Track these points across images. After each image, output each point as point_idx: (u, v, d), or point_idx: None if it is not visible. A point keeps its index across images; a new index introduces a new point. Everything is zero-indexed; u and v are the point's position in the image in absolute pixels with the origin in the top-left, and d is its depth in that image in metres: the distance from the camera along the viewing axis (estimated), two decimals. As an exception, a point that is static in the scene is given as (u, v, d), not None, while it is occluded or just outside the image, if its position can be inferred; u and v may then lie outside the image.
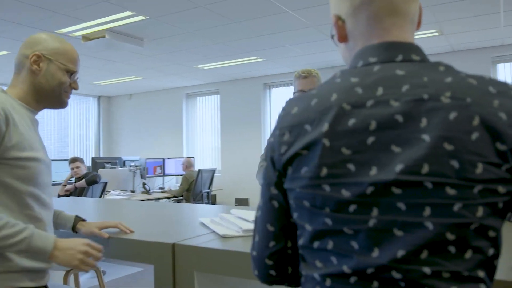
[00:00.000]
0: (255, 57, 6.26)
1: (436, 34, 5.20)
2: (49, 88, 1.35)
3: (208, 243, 1.40)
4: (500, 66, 5.96)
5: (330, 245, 0.70)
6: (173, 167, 6.89)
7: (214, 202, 7.31)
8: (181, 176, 6.41)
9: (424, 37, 5.31)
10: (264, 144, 7.64)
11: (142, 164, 6.39)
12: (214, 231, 1.59)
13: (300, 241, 0.76)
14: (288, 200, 0.78)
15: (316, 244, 0.72)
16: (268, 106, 7.79)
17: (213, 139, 8.45)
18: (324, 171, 0.69)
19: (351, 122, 0.69)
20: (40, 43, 1.35)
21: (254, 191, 7.52)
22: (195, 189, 6.03)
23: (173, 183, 7.44)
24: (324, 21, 4.63)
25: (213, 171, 6.45)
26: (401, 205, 0.64)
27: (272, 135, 0.80)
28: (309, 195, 0.71)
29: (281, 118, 0.80)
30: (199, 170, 6.05)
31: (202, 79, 7.93)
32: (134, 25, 4.68)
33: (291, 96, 1.89)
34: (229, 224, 1.64)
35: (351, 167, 0.68)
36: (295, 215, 0.77)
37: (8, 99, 1.28)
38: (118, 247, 1.51)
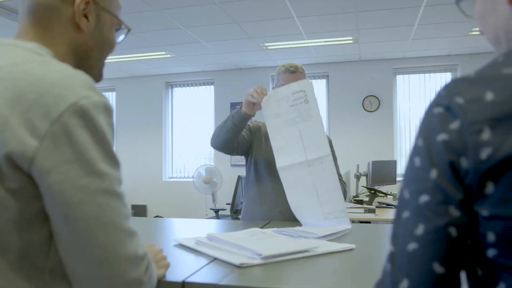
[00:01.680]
0: (163, 52, 5.72)
1: (351, 41, 5.29)
2: (97, 54, 0.91)
3: (226, 278, 1.05)
4: (399, 78, 6.32)
5: None
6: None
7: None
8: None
9: (338, 43, 5.37)
10: (163, 146, 7.09)
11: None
12: (217, 258, 1.23)
13: None
14: (468, 229, 0.55)
15: None
16: (170, 107, 7.25)
17: (105, 141, 7.59)
18: None
19: None
20: None
21: (152, 198, 6.93)
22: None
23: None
24: (249, 18, 4.36)
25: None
26: None
27: (447, 130, 0.55)
28: None
29: (463, 107, 0.55)
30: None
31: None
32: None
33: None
34: (235, 248, 1.27)
35: None
36: (491, 252, 0.54)
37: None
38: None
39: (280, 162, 1.81)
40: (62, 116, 0.68)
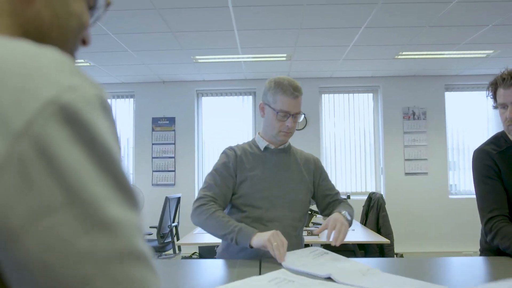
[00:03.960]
0: (82, 60, 5.14)
1: (284, 59, 5.23)
2: (57, 34, 0.54)
3: None
4: (325, 97, 6.43)
5: None
6: None
7: None
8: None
9: (270, 60, 5.29)
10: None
11: None
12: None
13: None
14: None
15: None
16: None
17: None
18: None
19: None
20: None
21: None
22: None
23: None
24: (187, 28, 4.06)
25: None
26: None
27: None
28: None
29: None
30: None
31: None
32: None
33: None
34: None
35: None
36: None
37: None
38: None
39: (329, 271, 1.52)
40: (33, 124, 0.37)
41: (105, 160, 0.41)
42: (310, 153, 2.05)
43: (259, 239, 1.60)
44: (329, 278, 1.39)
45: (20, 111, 0.37)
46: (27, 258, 0.37)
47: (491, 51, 4.96)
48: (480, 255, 1.88)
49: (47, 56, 0.42)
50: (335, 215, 1.73)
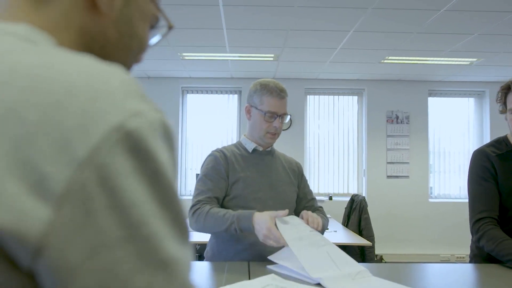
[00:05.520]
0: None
1: (271, 59, 5.23)
2: (121, 52, 0.54)
3: None
4: (311, 98, 6.45)
5: None
6: None
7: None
8: None
9: (258, 60, 5.28)
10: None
11: None
12: None
13: None
14: None
15: None
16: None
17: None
18: None
19: None
20: None
21: None
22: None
23: None
24: (178, 25, 4.01)
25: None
26: None
27: None
28: None
29: None
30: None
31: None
32: None
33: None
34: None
35: None
36: None
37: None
38: None
39: (320, 274, 1.52)
40: (98, 152, 0.35)
41: (166, 194, 0.40)
42: (292, 157, 2.08)
43: (259, 233, 1.60)
44: (318, 284, 1.40)
45: (85, 137, 0.35)
46: None
47: (474, 59, 5.05)
48: (470, 260, 1.92)
49: (115, 77, 0.40)
50: (307, 211, 1.77)
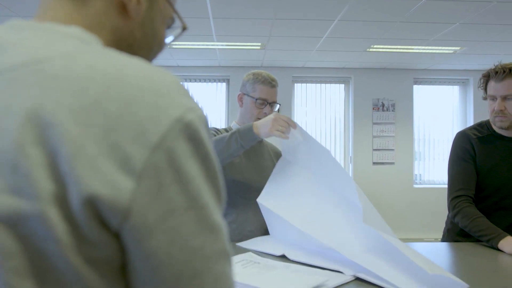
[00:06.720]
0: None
1: (258, 47, 5.27)
2: (144, 53, 0.62)
3: None
4: (298, 86, 6.51)
5: None
6: None
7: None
8: None
9: (245, 48, 5.31)
10: None
11: None
12: None
13: None
14: None
15: None
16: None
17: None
18: None
19: None
20: None
21: None
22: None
23: None
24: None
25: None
26: None
27: None
28: None
29: None
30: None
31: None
32: None
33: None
34: None
35: None
36: None
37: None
38: None
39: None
40: (166, 138, 0.44)
41: (213, 174, 0.49)
42: (278, 147, 2.15)
43: (265, 131, 1.64)
44: (295, 262, 1.46)
45: (156, 125, 0.44)
46: (156, 250, 0.44)
47: (458, 48, 5.14)
48: (444, 234, 2.04)
49: (165, 77, 0.49)
50: None
